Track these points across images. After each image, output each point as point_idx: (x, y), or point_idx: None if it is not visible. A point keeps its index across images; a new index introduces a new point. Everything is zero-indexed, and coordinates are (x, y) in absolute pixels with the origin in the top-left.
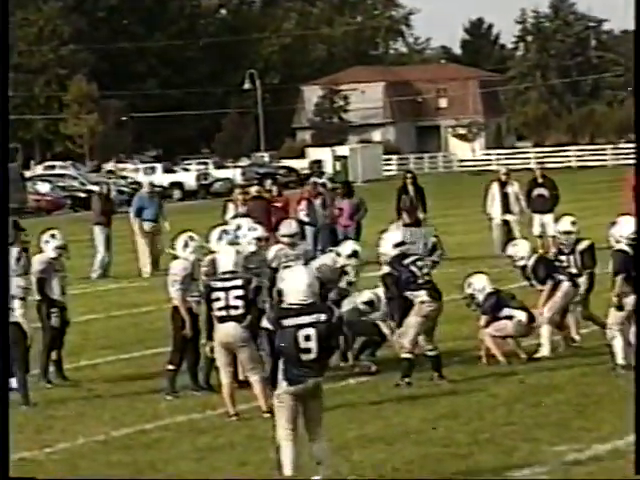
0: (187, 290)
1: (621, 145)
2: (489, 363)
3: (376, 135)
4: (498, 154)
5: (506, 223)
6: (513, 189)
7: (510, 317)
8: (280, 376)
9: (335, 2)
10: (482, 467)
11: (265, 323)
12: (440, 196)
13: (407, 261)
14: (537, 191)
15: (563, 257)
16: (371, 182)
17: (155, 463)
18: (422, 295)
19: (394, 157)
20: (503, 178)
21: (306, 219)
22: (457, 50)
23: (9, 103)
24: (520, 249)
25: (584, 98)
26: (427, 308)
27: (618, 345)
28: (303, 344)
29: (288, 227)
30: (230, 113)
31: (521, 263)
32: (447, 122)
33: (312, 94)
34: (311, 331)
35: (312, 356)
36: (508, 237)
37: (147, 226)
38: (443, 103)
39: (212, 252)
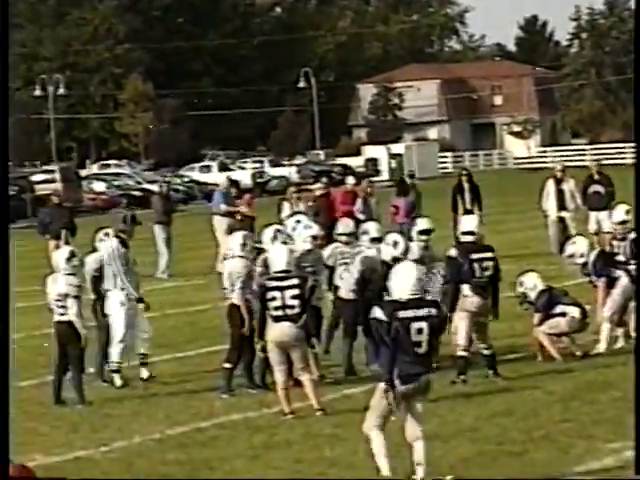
0: (246, 288)
1: None
2: (545, 360)
3: (431, 133)
4: (553, 151)
5: (562, 220)
6: (569, 186)
7: (563, 314)
8: (394, 374)
9: (390, 0)
10: (537, 464)
11: (379, 314)
12: (495, 193)
13: (475, 256)
14: (593, 188)
15: (616, 243)
16: (426, 180)
17: (210, 461)
18: (465, 289)
19: (449, 154)
20: (559, 175)
21: (362, 217)
22: (511, 47)
23: (65, 102)
24: (579, 246)
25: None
26: (469, 302)
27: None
28: (415, 337)
29: (345, 226)
30: (285, 111)
31: (581, 260)
32: (502, 119)
33: (367, 92)
34: (424, 325)
35: (423, 350)
36: (564, 234)
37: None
38: (498, 100)
39: (265, 251)
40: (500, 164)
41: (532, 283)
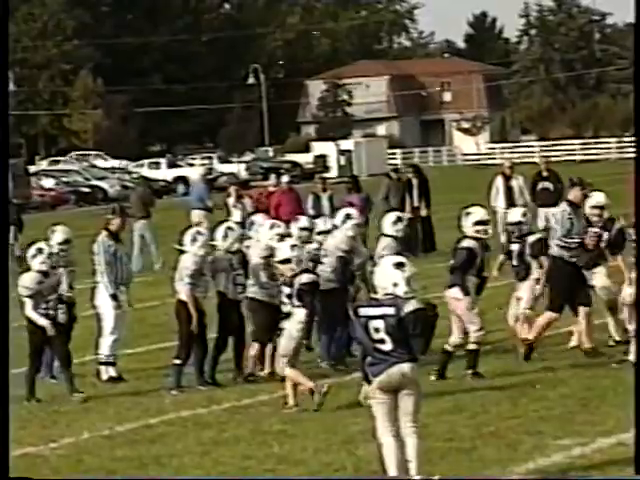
0: (195, 285)
1: (625, 138)
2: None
3: (380, 129)
4: (502, 148)
5: None
6: (517, 182)
7: None
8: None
9: None
10: (486, 461)
11: (350, 312)
12: (445, 190)
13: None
14: (542, 184)
15: (514, 246)
16: (375, 176)
17: (160, 457)
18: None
19: (398, 151)
20: (507, 172)
21: (312, 212)
22: (461, 44)
23: (13, 98)
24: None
25: (588, 91)
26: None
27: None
28: (375, 335)
29: (302, 222)
30: (234, 108)
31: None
32: (451, 116)
33: (316, 89)
34: (380, 323)
35: (387, 347)
36: None
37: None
38: (447, 97)
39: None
40: (449, 160)
41: None
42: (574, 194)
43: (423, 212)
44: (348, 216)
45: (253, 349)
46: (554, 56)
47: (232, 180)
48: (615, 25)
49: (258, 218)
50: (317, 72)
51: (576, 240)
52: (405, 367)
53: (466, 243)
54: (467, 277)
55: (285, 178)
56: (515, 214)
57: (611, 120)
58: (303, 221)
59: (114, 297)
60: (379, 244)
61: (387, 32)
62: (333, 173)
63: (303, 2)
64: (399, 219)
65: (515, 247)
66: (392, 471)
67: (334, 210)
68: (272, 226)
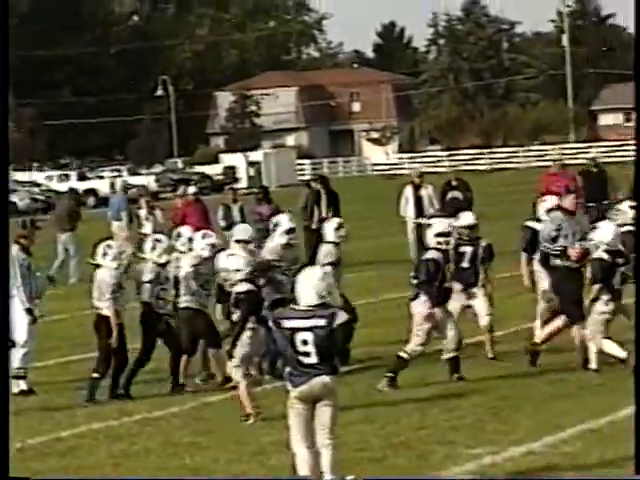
0: (116, 299)
1: (534, 147)
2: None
3: (289, 140)
4: (411, 157)
5: (420, 226)
6: (427, 192)
7: None
8: (286, 379)
9: (248, 8)
10: (397, 470)
11: (270, 322)
12: (355, 200)
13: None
14: (451, 194)
15: (463, 249)
16: (285, 187)
17: (71, 470)
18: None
19: (307, 162)
20: (417, 181)
21: (223, 223)
22: (370, 54)
23: None
24: None
25: (497, 101)
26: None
27: (610, 347)
28: (301, 348)
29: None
30: (143, 120)
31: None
32: (360, 126)
33: (225, 100)
34: (308, 336)
35: (312, 360)
36: (422, 240)
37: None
38: (356, 107)
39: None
40: (359, 171)
41: None
42: (568, 201)
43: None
44: (277, 224)
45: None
46: (463, 65)
47: (142, 192)
48: (524, 34)
49: (184, 230)
50: (226, 83)
51: (558, 247)
52: (327, 379)
53: (430, 255)
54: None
55: (192, 189)
56: (467, 217)
57: (520, 129)
58: (240, 232)
59: (29, 311)
60: (319, 251)
61: (295, 43)
62: (243, 184)
63: (212, 13)
64: (340, 225)
65: (468, 250)
66: (304, 472)
67: (244, 221)
68: (204, 236)
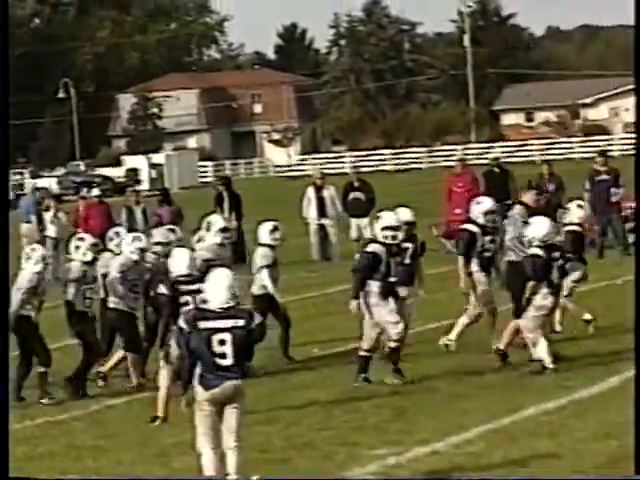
0: (26, 302)
1: (436, 148)
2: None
3: (191, 142)
4: (313, 159)
5: (322, 227)
6: (329, 193)
7: None
8: (195, 382)
9: (149, 9)
10: (300, 472)
11: (181, 323)
12: (257, 202)
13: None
14: (353, 195)
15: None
16: (187, 189)
17: None
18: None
19: (209, 164)
20: (319, 182)
21: (125, 225)
22: (271, 55)
23: None
24: None
25: (398, 101)
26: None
27: (543, 348)
28: (218, 348)
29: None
30: (45, 122)
31: None
32: (262, 127)
33: (126, 102)
34: (227, 336)
35: (228, 361)
36: (325, 241)
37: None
38: (258, 109)
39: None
40: (261, 172)
41: None
42: (529, 197)
43: (233, 224)
44: (210, 224)
45: (131, 360)
46: (364, 66)
47: (45, 194)
48: (425, 35)
49: (120, 230)
50: (127, 85)
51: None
52: (239, 383)
53: (371, 247)
54: (369, 282)
55: (95, 191)
56: (405, 213)
57: (422, 129)
58: (158, 235)
59: None
60: (255, 253)
61: (197, 44)
62: (145, 186)
63: (113, 15)
64: (275, 228)
65: (410, 246)
66: (209, 472)
67: (147, 223)
68: (134, 239)
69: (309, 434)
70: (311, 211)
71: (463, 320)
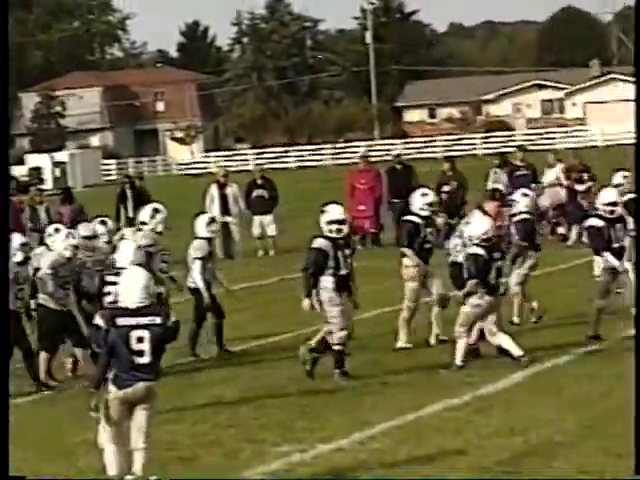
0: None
1: (339, 145)
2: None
3: (94, 140)
4: (216, 156)
5: (226, 225)
6: (232, 190)
7: None
8: (109, 380)
9: (51, 7)
10: (207, 470)
11: (98, 321)
12: (160, 200)
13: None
14: (256, 192)
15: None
16: (91, 187)
17: None
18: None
19: (113, 162)
20: (222, 180)
21: (30, 224)
22: (174, 53)
23: None
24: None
25: (301, 98)
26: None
27: (461, 346)
28: (136, 346)
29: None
30: None
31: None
32: (165, 125)
33: (30, 101)
34: (145, 333)
35: (144, 359)
36: (228, 238)
37: None
38: (160, 106)
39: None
40: (164, 170)
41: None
42: (490, 206)
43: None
44: (156, 210)
45: (41, 357)
46: (266, 63)
47: None
48: (327, 32)
49: (51, 228)
50: (31, 84)
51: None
52: (151, 384)
53: (317, 243)
54: (322, 278)
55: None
56: (335, 211)
57: (325, 126)
58: (84, 229)
59: None
60: (191, 246)
61: (99, 43)
62: (48, 185)
63: (16, 14)
64: (212, 220)
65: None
66: (113, 470)
67: (51, 222)
68: (67, 236)
69: (215, 432)
70: (214, 208)
71: (403, 316)
